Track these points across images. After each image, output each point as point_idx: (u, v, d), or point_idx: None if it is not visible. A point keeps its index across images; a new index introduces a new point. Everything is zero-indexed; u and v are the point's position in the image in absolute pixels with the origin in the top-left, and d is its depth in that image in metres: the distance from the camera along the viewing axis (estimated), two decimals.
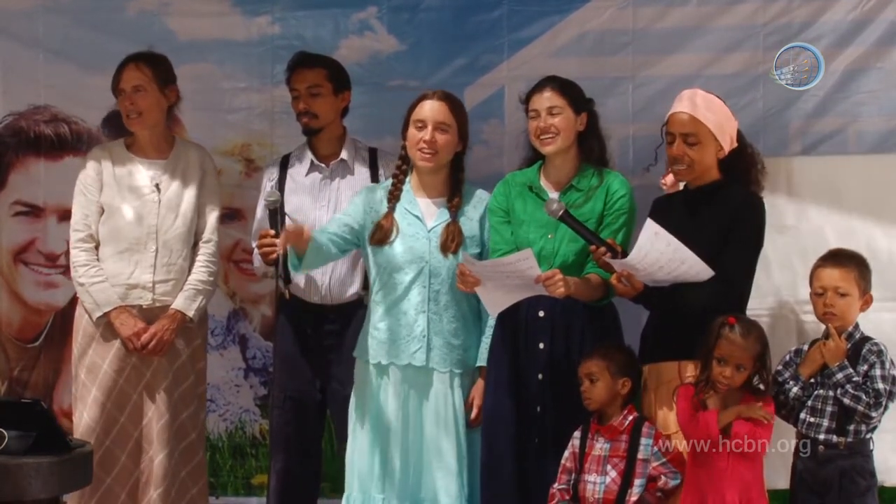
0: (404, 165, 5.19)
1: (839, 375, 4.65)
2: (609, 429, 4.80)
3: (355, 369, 5.22)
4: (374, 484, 5.10)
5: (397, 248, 5.09)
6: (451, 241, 5.07)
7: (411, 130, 5.10)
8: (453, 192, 5.15)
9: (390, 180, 5.24)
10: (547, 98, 5.00)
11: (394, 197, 5.17)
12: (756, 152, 5.00)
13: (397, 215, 5.13)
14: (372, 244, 5.13)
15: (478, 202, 5.17)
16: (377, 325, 5.13)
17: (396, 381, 5.08)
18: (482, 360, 5.09)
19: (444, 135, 5.07)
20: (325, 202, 5.59)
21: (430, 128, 5.06)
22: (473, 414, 5.08)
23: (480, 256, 5.08)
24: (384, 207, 5.16)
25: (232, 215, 6.29)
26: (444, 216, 5.12)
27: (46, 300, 6.44)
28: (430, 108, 5.09)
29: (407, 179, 5.20)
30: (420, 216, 5.12)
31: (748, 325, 4.65)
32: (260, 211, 5.65)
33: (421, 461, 5.07)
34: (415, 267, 5.07)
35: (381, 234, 5.11)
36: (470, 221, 5.13)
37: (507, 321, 5.00)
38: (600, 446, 4.80)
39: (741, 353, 4.59)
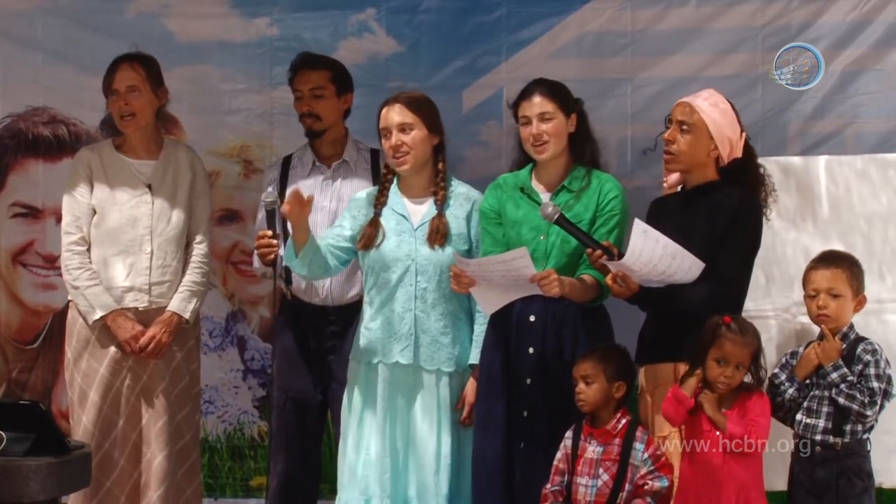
0: (389, 174, 5.20)
1: (834, 375, 4.65)
2: (602, 432, 4.79)
3: (348, 371, 5.24)
4: (362, 485, 5.10)
5: (384, 248, 5.10)
6: (437, 232, 5.08)
7: (382, 141, 5.14)
8: (437, 185, 5.15)
9: (377, 186, 5.24)
10: (537, 104, 4.99)
11: (379, 203, 5.18)
12: (768, 174, 4.98)
13: (385, 217, 5.15)
14: (359, 249, 5.14)
15: (464, 200, 5.18)
16: (368, 324, 5.15)
17: (385, 379, 5.09)
18: (474, 358, 5.10)
19: (408, 134, 5.08)
20: (326, 203, 5.59)
21: (393, 132, 5.08)
22: (465, 413, 5.09)
23: (469, 254, 5.10)
24: (370, 213, 5.17)
25: (230, 217, 6.30)
26: (430, 213, 5.13)
27: (45, 302, 6.44)
28: (388, 115, 5.11)
29: (394, 182, 5.20)
30: (406, 215, 5.14)
31: (744, 323, 4.65)
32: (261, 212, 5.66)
33: (407, 460, 5.07)
34: (401, 265, 5.08)
35: (366, 238, 5.13)
36: (457, 219, 5.14)
37: (499, 324, 5.00)
38: (592, 449, 4.79)
39: (741, 351, 4.59)
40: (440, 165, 5.17)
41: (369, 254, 5.13)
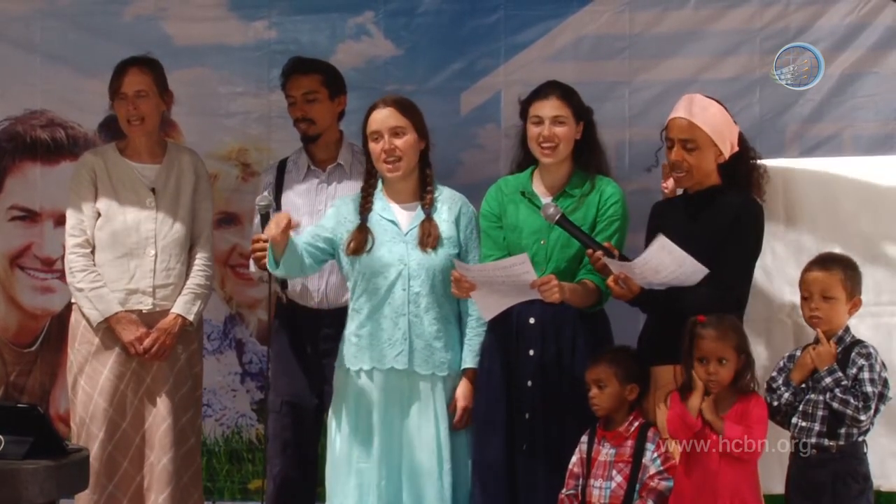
0: (372, 179, 5.19)
1: (828, 380, 4.65)
2: (615, 435, 4.81)
3: (335, 379, 5.23)
4: (357, 493, 5.08)
5: (375, 254, 5.09)
6: (428, 236, 5.07)
7: (371, 145, 5.11)
8: (424, 190, 5.15)
9: (360, 192, 5.23)
10: (553, 106, 4.99)
11: (365, 209, 5.16)
12: (757, 157, 5.00)
13: (372, 223, 5.13)
14: (348, 255, 5.12)
15: (452, 203, 5.17)
16: (358, 331, 5.13)
17: (379, 386, 5.08)
18: (467, 362, 5.10)
19: (400, 139, 5.07)
20: (321, 207, 5.58)
21: (386, 136, 5.06)
22: (458, 416, 5.08)
23: (459, 257, 5.09)
24: (357, 219, 5.15)
25: (228, 220, 6.30)
26: (419, 218, 5.12)
27: (43, 305, 6.44)
28: (381, 117, 5.09)
29: (379, 187, 5.19)
30: (395, 220, 5.13)
31: (719, 318, 4.65)
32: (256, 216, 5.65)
33: (402, 467, 5.06)
34: (393, 271, 5.07)
35: (357, 244, 5.11)
36: (446, 223, 5.13)
37: (499, 327, 5.01)
38: (606, 452, 4.81)
39: (719, 345, 4.60)
40: (427, 171, 5.17)
41: (359, 260, 5.11)
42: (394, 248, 5.08)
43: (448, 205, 5.16)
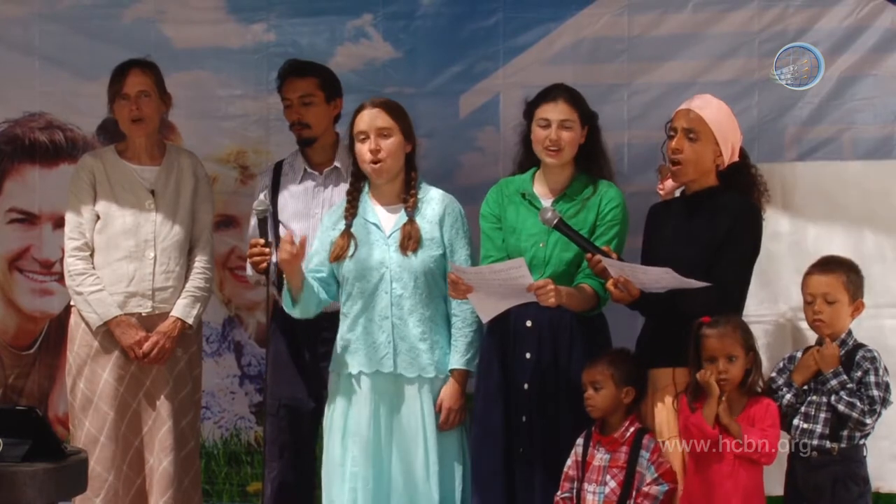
0: (358, 182, 5.19)
1: (833, 382, 4.65)
2: (610, 440, 4.81)
3: (329, 382, 5.23)
4: (351, 497, 5.07)
5: (357, 257, 5.09)
6: (408, 239, 5.06)
7: (357, 145, 5.09)
8: (408, 192, 5.14)
9: (346, 198, 5.23)
10: (562, 110, 4.99)
11: (350, 214, 5.16)
12: (758, 172, 4.99)
13: (356, 228, 5.13)
14: (331, 261, 5.13)
15: (437, 204, 5.15)
16: (347, 335, 5.14)
17: (367, 389, 5.08)
18: (452, 363, 5.09)
19: (387, 139, 5.06)
20: (318, 210, 5.58)
21: (372, 136, 5.05)
22: (443, 417, 5.07)
23: (443, 258, 5.09)
24: (342, 223, 5.15)
25: (227, 222, 6.30)
26: (402, 220, 5.12)
27: (41, 307, 6.44)
28: (368, 118, 5.07)
29: (365, 189, 5.19)
30: (378, 223, 5.12)
31: (724, 318, 4.65)
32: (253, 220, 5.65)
33: (391, 470, 5.06)
34: (376, 274, 5.07)
35: (338, 251, 5.11)
36: (429, 224, 5.12)
37: (496, 330, 5.01)
38: (600, 456, 4.81)
39: (726, 342, 4.60)
40: (412, 173, 5.16)
41: (343, 265, 5.11)
42: (375, 252, 5.08)
43: (432, 205, 5.14)
